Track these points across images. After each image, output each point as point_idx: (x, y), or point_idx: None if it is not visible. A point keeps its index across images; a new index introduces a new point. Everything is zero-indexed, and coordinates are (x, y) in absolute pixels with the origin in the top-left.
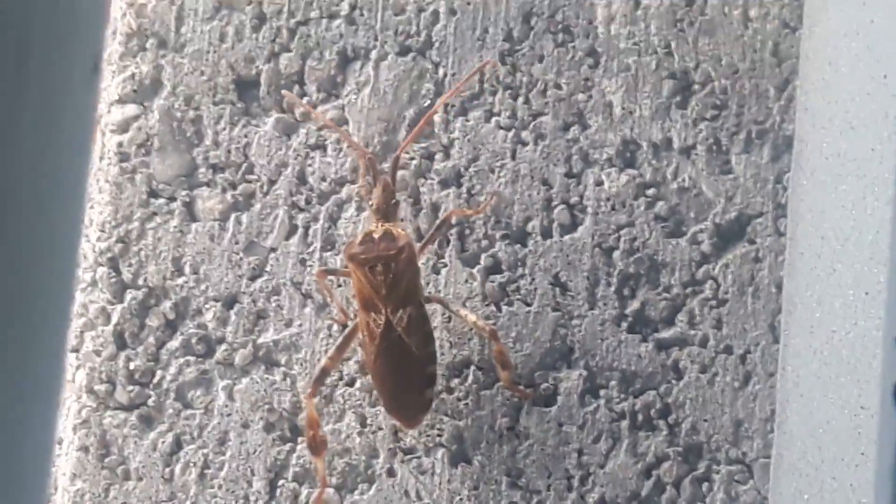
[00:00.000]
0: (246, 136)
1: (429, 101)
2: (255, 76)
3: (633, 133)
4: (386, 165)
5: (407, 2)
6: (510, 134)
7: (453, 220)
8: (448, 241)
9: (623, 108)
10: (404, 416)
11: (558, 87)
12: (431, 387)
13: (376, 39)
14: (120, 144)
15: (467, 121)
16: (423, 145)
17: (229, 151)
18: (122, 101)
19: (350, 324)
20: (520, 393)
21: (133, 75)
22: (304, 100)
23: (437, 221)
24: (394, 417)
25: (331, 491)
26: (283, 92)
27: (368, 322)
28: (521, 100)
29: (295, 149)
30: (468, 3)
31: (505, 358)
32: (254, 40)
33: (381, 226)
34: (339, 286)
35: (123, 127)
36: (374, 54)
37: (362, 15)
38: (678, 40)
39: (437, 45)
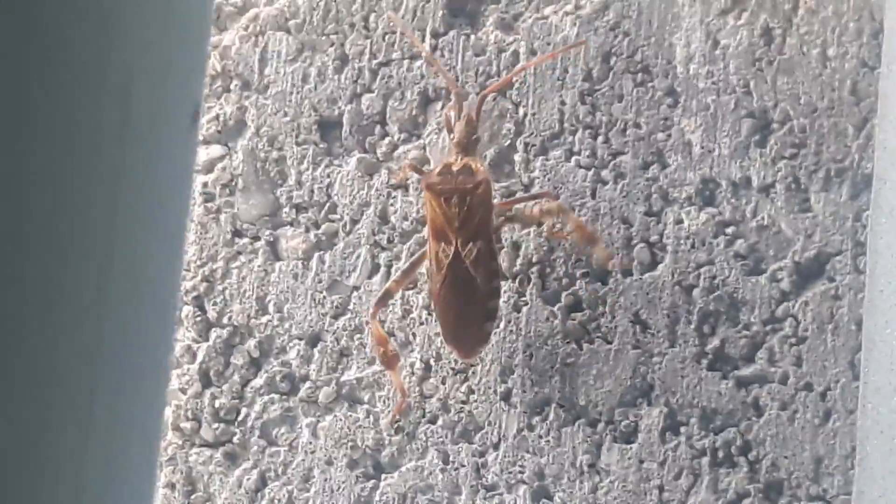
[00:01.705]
0: (328, 175)
1: (509, 142)
2: (338, 117)
3: (713, 172)
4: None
5: (487, 42)
6: (590, 173)
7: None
8: (529, 280)
9: (702, 147)
10: (462, 348)
11: (637, 126)
12: (492, 321)
13: (457, 80)
14: (205, 185)
15: (547, 160)
16: (504, 184)
17: (312, 191)
18: (206, 141)
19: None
20: (619, 263)
21: (218, 116)
22: (386, 139)
23: (532, 193)
24: (452, 348)
25: (410, 401)
26: (389, 14)
27: (438, 252)
28: (600, 139)
29: (377, 188)
30: (548, 44)
31: (587, 231)
32: (336, 81)
33: (461, 159)
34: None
35: (208, 167)
36: (454, 94)
37: (443, 56)
38: (757, 79)
39: (517, 84)
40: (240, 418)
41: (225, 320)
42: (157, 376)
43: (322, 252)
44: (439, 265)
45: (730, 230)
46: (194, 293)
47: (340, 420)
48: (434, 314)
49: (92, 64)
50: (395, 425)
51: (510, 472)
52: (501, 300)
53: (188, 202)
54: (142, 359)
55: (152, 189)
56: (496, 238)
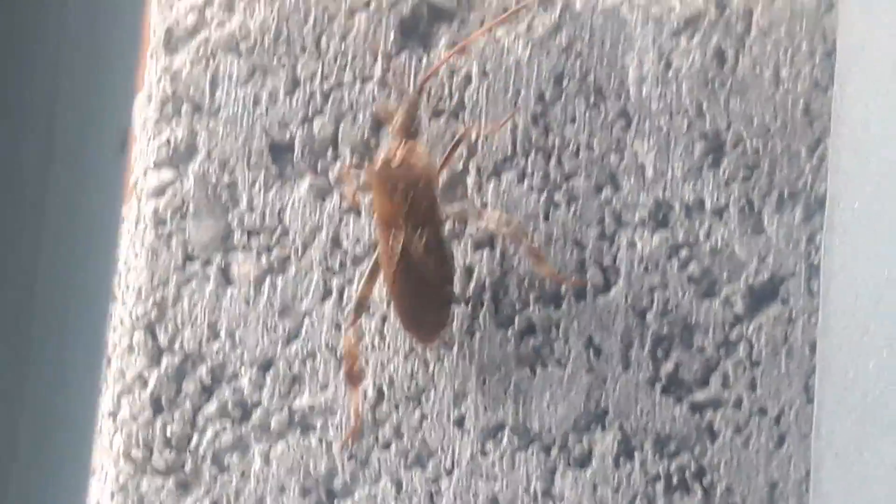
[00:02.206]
0: (280, 200)
1: (461, 166)
2: (290, 140)
3: (666, 194)
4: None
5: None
6: (543, 196)
7: (473, 136)
8: (482, 304)
9: (655, 169)
10: (421, 333)
11: (590, 148)
12: (448, 306)
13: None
14: (156, 210)
15: (500, 183)
16: (454, 207)
17: (264, 216)
18: (157, 166)
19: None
20: (564, 281)
21: (168, 140)
22: (338, 163)
23: (454, 139)
24: (411, 335)
25: (360, 425)
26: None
27: (388, 241)
28: (553, 161)
29: (329, 213)
30: (500, 66)
31: (535, 251)
32: (287, 104)
33: (403, 145)
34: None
35: (159, 192)
36: (392, 82)
37: (395, 78)
38: (710, 101)
39: (469, 107)
40: (191, 446)
41: (176, 346)
42: (86, 419)
43: (274, 277)
44: (391, 254)
45: (683, 253)
46: (145, 319)
47: (293, 447)
48: (390, 303)
49: (14, 90)
50: (349, 449)
51: (464, 499)
52: (453, 308)
53: (117, 231)
54: (68, 396)
55: (78, 219)
56: (445, 222)
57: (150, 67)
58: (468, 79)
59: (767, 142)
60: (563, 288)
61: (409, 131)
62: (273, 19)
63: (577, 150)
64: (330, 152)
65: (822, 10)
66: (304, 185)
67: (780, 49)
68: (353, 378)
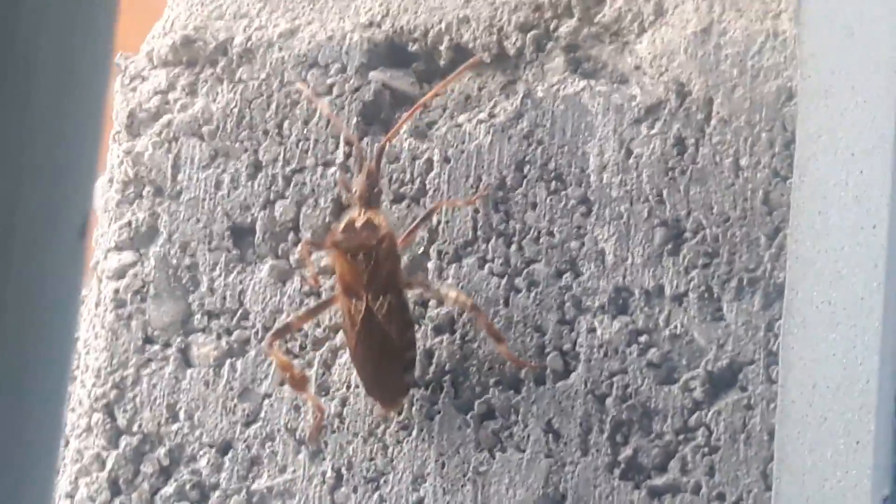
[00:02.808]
0: (241, 282)
1: (422, 250)
2: (251, 223)
3: (626, 280)
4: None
5: (401, 150)
6: (503, 281)
7: (443, 207)
8: (441, 388)
9: (615, 256)
10: (383, 400)
11: (551, 234)
12: (410, 371)
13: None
14: (116, 291)
15: (461, 267)
16: (415, 292)
17: (224, 298)
18: (118, 248)
19: (325, 295)
20: (521, 364)
21: (130, 223)
22: (299, 246)
23: (425, 211)
24: (374, 399)
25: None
26: (299, 85)
27: (350, 308)
28: (514, 247)
29: (290, 295)
30: (462, 152)
31: (493, 329)
32: (249, 188)
33: (364, 213)
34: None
35: (120, 273)
36: (354, 148)
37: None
38: (670, 188)
39: (430, 192)
40: None
41: (135, 428)
42: (43, 500)
43: (234, 359)
44: (353, 321)
45: (643, 339)
46: (104, 400)
47: None
48: (349, 385)
49: None
50: (316, 443)
51: None
52: (417, 354)
53: (76, 314)
54: (25, 476)
55: (38, 302)
56: (406, 290)
57: (113, 150)
58: (430, 164)
59: (727, 230)
60: (523, 372)
61: (370, 199)
62: (236, 103)
63: (538, 235)
64: (291, 236)
65: (781, 100)
66: (265, 267)
67: (740, 138)
68: (298, 384)
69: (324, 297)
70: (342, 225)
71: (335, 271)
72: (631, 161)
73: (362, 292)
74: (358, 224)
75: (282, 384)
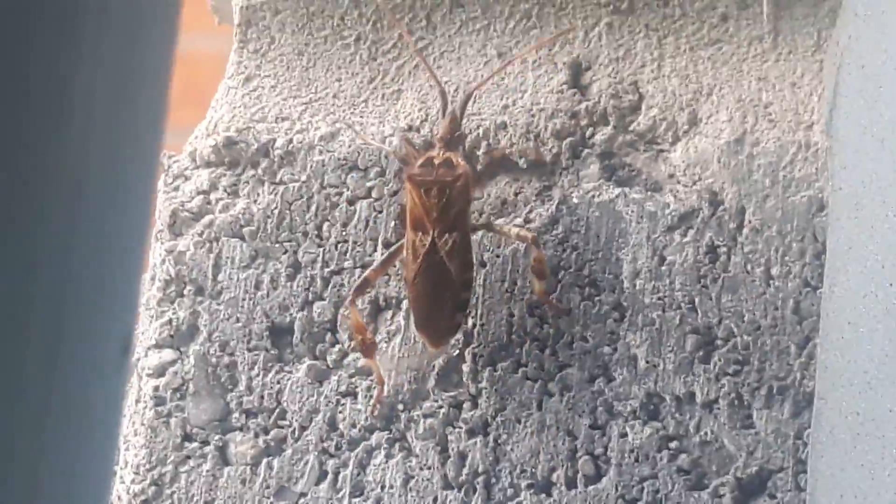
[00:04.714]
0: (279, 382)
1: (457, 352)
2: (289, 323)
3: (657, 386)
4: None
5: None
6: (537, 384)
7: (507, 152)
8: (474, 489)
9: (647, 362)
10: (432, 336)
11: (584, 339)
12: (462, 312)
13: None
14: (156, 388)
15: (495, 371)
16: (451, 394)
17: (262, 397)
18: (158, 345)
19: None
20: (551, 306)
21: (171, 321)
22: (336, 347)
23: (489, 151)
24: (422, 335)
25: (387, 388)
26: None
27: (414, 241)
28: (547, 351)
29: (326, 395)
30: (497, 256)
31: (542, 267)
32: (288, 288)
33: (443, 153)
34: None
35: (160, 371)
36: (405, 304)
37: (394, 265)
38: (701, 296)
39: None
40: None
41: None
42: None
43: (270, 458)
44: (415, 254)
45: (673, 445)
46: (142, 497)
47: None
48: (407, 302)
49: (18, 294)
50: (376, 413)
51: None
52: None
53: (116, 440)
54: None
55: (81, 429)
56: (473, 231)
57: (155, 248)
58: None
59: (758, 338)
60: (555, 475)
61: (450, 141)
62: (276, 205)
63: (572, 340)
64: (328, 337)
65: (812, 211)
66: (303, 367)
67: (772, 247)
68: (367, 349)
69: (392, 249)
70: (421, 160)
71: (406, 206)
72: (664, 268)
73: (429, 227)
74: (436, 161)
75: (352, 349)
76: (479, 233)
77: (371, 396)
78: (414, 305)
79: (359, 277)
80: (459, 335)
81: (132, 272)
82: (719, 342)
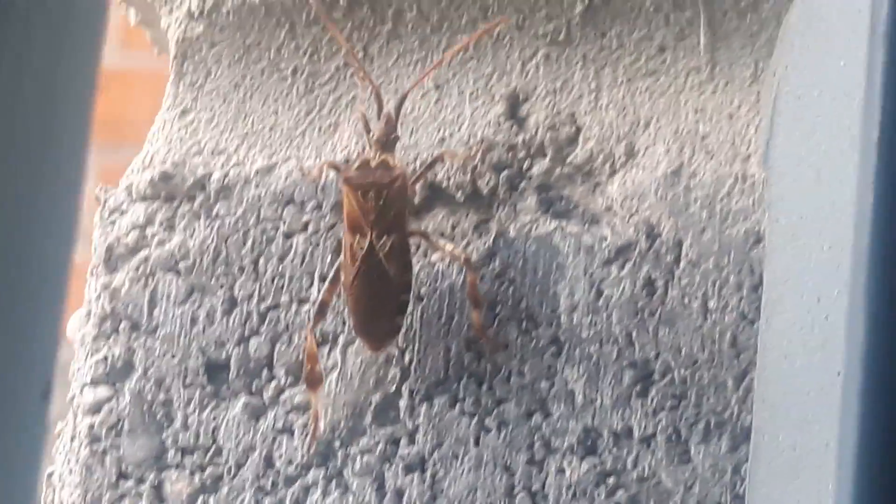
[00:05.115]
0: (215, 418)
1: (394, 388)
2: (225, 359)
3: (595, 421)
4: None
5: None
6: (474, 420)
7: (445, 160)
8: None
9: (585, 397)
10: (372, 340)
11: (521, 374)
12: (402, 314)
13: (344, 324)
14: (91, 426)
15: (432, 406)
16: (388, 430)
17: (198, 434)
18: (94, 382)
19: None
20: (488, 340)
21: (106, 357)
22: (273, 383)
23: (430, 159)
24: (362, 340)
25: (323, 424)
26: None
27: (352, 244)
28: (485, 386)
29: (262, 432)
30: (434, 290)
31: (476, 293)
32: (224, 324)
33: (379, 156)
34: None
35: (95, 408)
36: (341, 339)
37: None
38: (639, 330)
39: (403, 330)
40: None
41: None
42: None
43: (207, 496)
44: (353, 257)
45: (611, 480)
46: None
47: None
48: (346, 307)
49: None
50: (313, 449)
51: None
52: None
53: (38, 483)
54: None
55: (3, 464)
56: (410, 233)
57: (91, 283)
58: (403, 303)
59: (695, 372)
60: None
61: (386, 143)
62: (212, 240)
63: (509, 375)
64: (265, 372)
65: (749, 243)
66: (239, 404)
67: (709, 280)
68: (314, 381)
69: (337, 264)
70: (357, 163)
71: (343, 209)
72: (601, 302)
73: (367, 230)
74: (373, 164)
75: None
76: (416, 266)
77: (308, 433)
78: (353, 309)
79: (315, 303)
80: (399, 343)
81: (53, 314)
82: (657, 376)
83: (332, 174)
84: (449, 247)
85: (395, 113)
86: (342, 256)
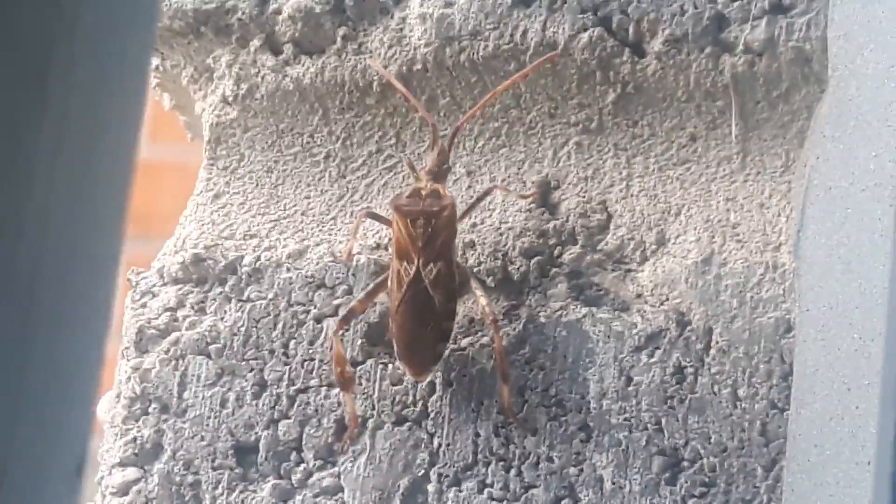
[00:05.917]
0: (243, 501)
1: (423, 472)
2: (254, 442)
3: None
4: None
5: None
6: None
7: (497, 194)
8: None
9: (613, 483)
10: (414, 366)
11: (550, 460)
12: (445, 342)
13: (373, 408)
14: None
15: (460, 491)
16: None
17: None
18: (122, 464)
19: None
20: (513, 419)
21: (135, 439)
22: (301, 466)
23: (480, 193)
24: (404, 365)
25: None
26: (370, 62)
27: (399, 270)
28: (513, 472)
29: None
30: (464, 375)
31: (504, 364)
32: (254, 406)
33: (430, 185)
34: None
35: (123, 490)
36: (370, 423)
37: (360, 384)
38: (668, 417)
39: (432, 415)
40: None
41: None
42: None
43: None
44: (400, 283)
45: None
46: None
47: None
48: (390, 332)
49: None
50: (347, 449)
51: None
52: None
53: None
54: None
55: None
56: (458, 262)
57: (121, 365)
58: (432, 387)
59: (724, 460)
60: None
61: (437, 174)
62: (243, 322)
63: (538, 461)
64: (293, 455)
65: (780, 332)
66: (267, 486)
67: (739, 369)
68: (345, 382)
69: (378, 280)
70: (408, 192)
71: (393, 236)
72: (630, 389)
73: (414, 256)
74: (423, 193)
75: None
76: (448, 346)
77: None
78: (397, 335)
79: (344, 308)
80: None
81: (88, 391)
82: (686, 464)
83: (363, 258)
84: (483, 300)
85: (448, 145)
86: (389, 282)
